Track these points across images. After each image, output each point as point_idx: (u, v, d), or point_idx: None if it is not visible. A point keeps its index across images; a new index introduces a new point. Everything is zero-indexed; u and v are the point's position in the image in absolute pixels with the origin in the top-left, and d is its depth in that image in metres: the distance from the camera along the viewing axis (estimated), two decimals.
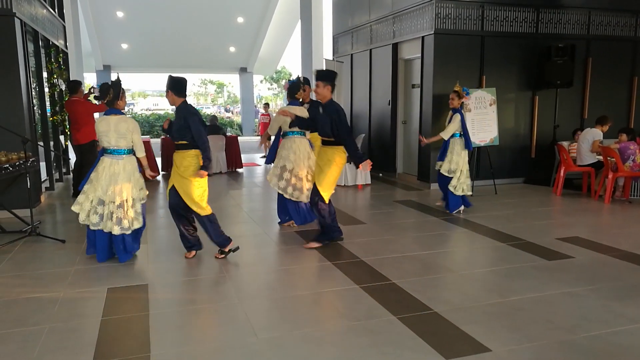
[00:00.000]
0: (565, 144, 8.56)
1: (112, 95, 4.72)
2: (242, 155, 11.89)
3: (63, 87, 9.85)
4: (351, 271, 4.53)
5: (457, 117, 6.66)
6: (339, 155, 5.16)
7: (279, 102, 44.29)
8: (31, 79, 7.48)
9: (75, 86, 7.94)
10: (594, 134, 7.84)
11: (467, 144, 6.73)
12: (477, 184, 8.60)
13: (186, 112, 4.68)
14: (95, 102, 8.19)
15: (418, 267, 4.68)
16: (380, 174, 10.27)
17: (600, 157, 7.78)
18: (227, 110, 38.91)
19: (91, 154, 7.97)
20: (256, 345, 3.19)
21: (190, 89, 46.10)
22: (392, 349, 3.10)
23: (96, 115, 9.40)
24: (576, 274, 4.46)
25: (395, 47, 9.81)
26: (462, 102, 6.78)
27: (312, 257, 4.97)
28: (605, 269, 4.59)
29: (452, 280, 4.33)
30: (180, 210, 4.85)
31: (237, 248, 5.00)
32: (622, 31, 9.61)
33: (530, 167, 9.43)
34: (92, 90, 8.21)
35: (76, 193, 8.06)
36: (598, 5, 9.36)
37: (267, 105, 16.69)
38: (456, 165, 6.71)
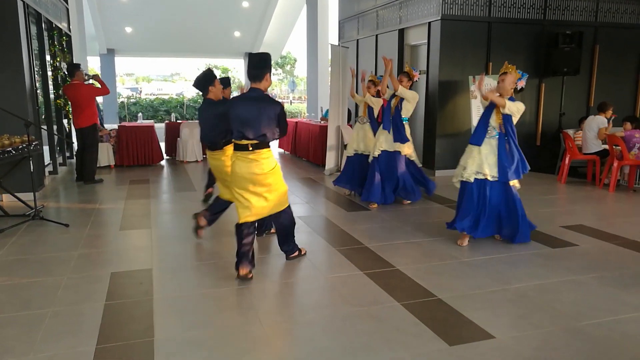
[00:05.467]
0: (570, 132, 8.50)
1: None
2: None
3: (66, 70, 9.81)
4: (355, 257, 4.53)
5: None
6: None
7: (283, 87, 44.13)
8: (34, 61, 7.44)
9: (73, 70, 7.89)
10: (598, 122, 7.78)
11: None
12: None
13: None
14: (98, 84, 8.15)
15: (422, 253, 4.67)
16: None
17: (606, 145, 7.73)
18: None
19: (93, 137, 7.94)
20: (260, 330, 3.19)
21: (193, 74, 45.83)
22: (395, 335, 3.10)
23: (99, 99, 9.30)
24: (580, 261, 4.45)
25: (401, 33, 9.72)
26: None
27: (317, 244, 4.96)
28: (610, 257, 4.57)
29: (456, 267, 4.32)
30: None
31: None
32: (630, 19, 9.49)
33: (535, 155, 9.36)
34: (86, 78, 8.14)
35: (80, 177, 8.05)
36: None
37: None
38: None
